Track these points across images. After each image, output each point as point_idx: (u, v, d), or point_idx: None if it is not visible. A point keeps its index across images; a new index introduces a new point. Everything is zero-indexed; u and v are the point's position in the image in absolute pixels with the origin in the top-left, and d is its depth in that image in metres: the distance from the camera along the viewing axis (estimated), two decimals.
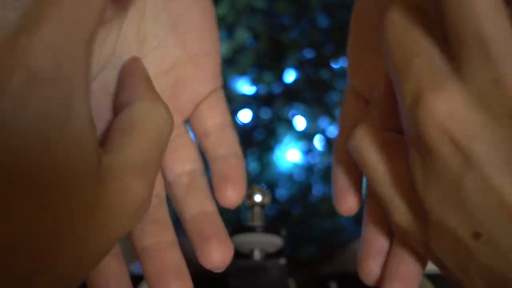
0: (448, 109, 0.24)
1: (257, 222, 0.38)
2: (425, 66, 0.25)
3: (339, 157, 0.32)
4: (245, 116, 0.51)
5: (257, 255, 0.39)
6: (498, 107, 0.23)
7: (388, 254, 0.30)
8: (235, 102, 0.51)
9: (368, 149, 0.29)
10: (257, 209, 0.39)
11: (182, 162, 0.32)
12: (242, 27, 0.52)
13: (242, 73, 0.51)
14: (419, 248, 0.28)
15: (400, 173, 0.28)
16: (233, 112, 0.51)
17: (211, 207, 0.30)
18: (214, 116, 0.32)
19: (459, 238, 0.25)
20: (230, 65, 0.51)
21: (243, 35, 0.52)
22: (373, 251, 0.30)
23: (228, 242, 0.29)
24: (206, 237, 0.29)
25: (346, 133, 0.32)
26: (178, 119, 0.33)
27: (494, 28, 0.23)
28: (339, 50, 0.52)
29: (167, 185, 0.32)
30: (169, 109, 0.28)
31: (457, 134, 0.24)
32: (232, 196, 0.30)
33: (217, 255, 0.29)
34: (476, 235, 0.25)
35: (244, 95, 0.51)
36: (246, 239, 0.38)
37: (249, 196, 0.39)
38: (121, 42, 0.30)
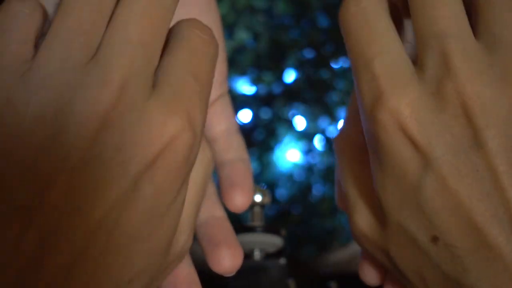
0: (408, 110, 0.24)
1: (257, 222, 0.38)
2: (386, 66, 0.25)
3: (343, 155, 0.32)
4: (245, 116, 0.51)
5: (257, 255, 0.39)
6: (455, 107, 0.23)
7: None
8: (235, 102, 0.51)
9: (343, 150, 0.29)
10: (257, 209, 0.39)
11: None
12: (242, 27, 0.52)
13: (242, 73, 0.51)
14: (379, 257, 0.28)
15: (365, 176, 0.28)
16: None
17: (220, 213, 0.31)
18: (221, 122, 0.33)
19: (418, 242, 0.25)
20: (230, 65, 0.51)
21: (243, 35, 0.52)
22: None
23: (237, 247, 0.29)
24: (216, 243, 0.29)
25: (350, 129, 0.32)
26: None
27: (454, 28, 0.23)
28: (339, 50, 0.52)
29: None
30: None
31: (417, 135, 0.24)
32: (240, 200, 0.31)
33: (227, 260, 0.29)
34: (434, 239, 0.24)
35: (244, 95, 0.51)
36: (246, 239, 0.38)
37: None
38: None
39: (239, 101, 0.51)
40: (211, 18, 0.32)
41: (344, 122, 0.31)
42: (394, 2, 0.27)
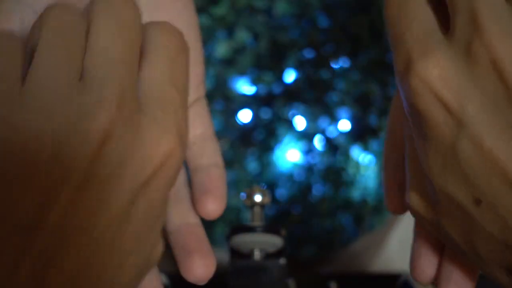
0: (438, 73, 0.24)
1: (257, 222, 0.38)
2: (417, 33, 0.26)
3: (390, 157, 0.32)
4: (245, 116, 0.51)
5: (257, 255, 0.39)
6: (486, 65, 0.23)
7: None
8: (235, 102, 0.51)
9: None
10: (257, 209, 0.39)
11: None
12: (242, 27, 0.52)
13: (242, 73, 0.51)
14: (433, 231, 0.28)
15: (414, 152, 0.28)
16: (233, 112, 0.51)
17: (193, 219, 0.31)
18: (196, 127, 0.33)
19: (463, 206, 0.25)
20: (230, 65, 0.51)
21: (243, 35, 0.52)
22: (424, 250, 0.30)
23: (210, 255, 0.29)
24: (188, 251, 0.29)
25: (396, 135, 0.32)
26: None
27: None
28: (339, 50, 0.52)
29: None
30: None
31: (448, 97, 0.24)
32: (212, 208, 0.31)
33: (200, 269, 0.29)
34: (477, 202, 0.25)
35: (244, 95, 0.51)
36: (246, 239, 0.38)
37: (249, 196, 0.39)
38: None
39: (239, 101, 0.51)
40: (188, 21, 0.32)
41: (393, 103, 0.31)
42: None
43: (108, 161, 0.22)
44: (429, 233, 0.30)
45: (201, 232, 0.30)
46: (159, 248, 0.27)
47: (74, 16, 0.25)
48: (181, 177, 0.32)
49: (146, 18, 0.31)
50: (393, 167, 0.32)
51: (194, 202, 0.31)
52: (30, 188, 0.21)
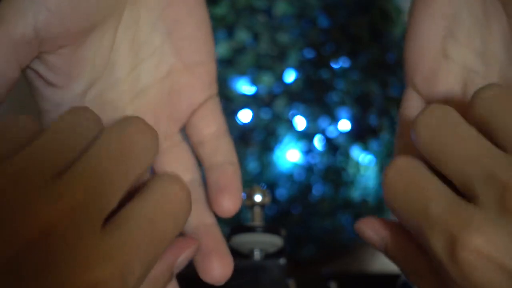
0: (487, 240, 0.24)
1: (257, 222, 0.38)
2: (443, 208, 0.26)
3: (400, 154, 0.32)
4: (245, 116, 0.51)
5: (257, 255, 0.39)
6: None
7: None
8: (235, 102, 0.51)
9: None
10: (257, 209, 0.39)
11: (180, 173, 0.31)
12: (242, 27, 0.52)
13: (242, 73, 0.51)
14: None
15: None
16: (233, 112, 0.51)
17: (210, 220, 0.31)
18: (209, 125, 0.32)
19: None
20: (230, 65, 0.51)
21: (243, 35, 0.52)
22: None
23: (228, 256, 0.29)
24: (206, 252, 0.29)
25: (407, 134, 0.32)
26: (174, 128, 0.33)
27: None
28: (339, 50, 0.52)
29: None
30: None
31: (504, 260, 0.24)
32: (229, 206, 0.30)
33: (218, 270, 0.29)
34: None
35: (244, 95, 0.51)
36: (246, 239, 0.38)
37: (249, 196, 0.39)
38: (116, 49, 0.30)
39: (239, 101, 0.51)
40: (200, 18, 0.32)
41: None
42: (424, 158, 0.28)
43: (31, 263, 0.21)
44: None
45: (218, 232, 0.30)
46: None
47: (87, 121, 0.25)
48: (196, 177, 0.32)
49: (157, 15, 0.31)
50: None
51: (210, 200, 0.30)
52: None
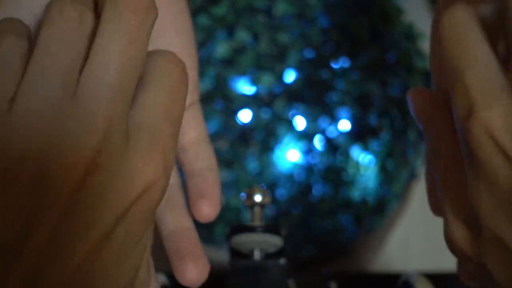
0: (502, 123, 0.25)
1: (257, 222, 0.38)
2: (477, 77, 0.26)
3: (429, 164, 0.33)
4: (245, 116, 0.51)
5: (257, 255, 0.39)
6: None
7: None
8: (235, 102, 0.51)
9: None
10: (257, 209, 0.39)
11: None
12: (242, 27, 0.52)
13: (242, 73, 0.51)
14: (474, 269, 0.28)
15: (461, 187, 0.28)
16: (233, 112, 0.51)
17: (188, 224, 0.31)
18: (190, 131, 0.33)
19: None
20: (230, 65, 0.51)
21: (243, 35, 0.52)
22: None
23: (203, 259, 0.30)
24: (182, 255, 0.30)
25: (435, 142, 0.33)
26: None
27: None
28: (339, 50, 0.52)
29: None
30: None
31: (508, 145, 0.24)
32: (208, 211, 0.31)
33: (193, 272, 0.29)
34: None
35: (244, 95, 0.51)
36: (246, 239, 0.38)
37: (249, 196, 0.39)
38: None
39: (239, 101, 0.51)
40: (183, 26, 0.32)
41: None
42: (486, 17, 0.28)
43: (92, 191, 0.23)
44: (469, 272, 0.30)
45: (194, 236, 0.30)
46: (144, 276, 0.27)
47: (81, 12, 0.25)
48: (176, 181, 0.32)
49: None
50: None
51: (190, 205, 0.31)
52: (14, 210, 0.21)
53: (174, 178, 0.32)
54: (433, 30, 0.33)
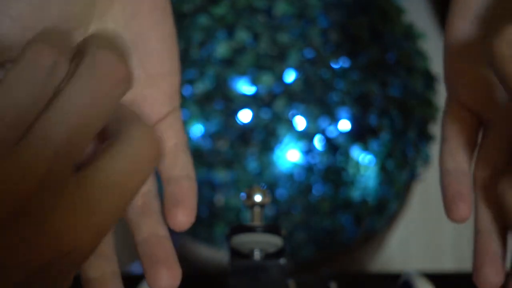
0: None
1: (257, 222, 0.38)
2: None
3: (447, 165, 0.33)
4: (245, 116, 0.51)
5: (257, 255, 0.39)
6: None
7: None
8: (235, 102, 0.51)
9: None
10: (257, 209, 0.39)
11: None
12: (242, 27, 0.52)
13: (242, 73, 0.51)
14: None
15: None
16: (233, 112, 0.51)
17: (162, 231, 0.31)
18: (169, 138, 0.33)
19: None
20: (230, 65, 0.51)
21: (243, 35, 0.52)
22: (488, 258, 0.30)
23: (176, 267, 0.30)
24: (155, 262, 0.30)
25: (453, 144, 0.33)
26: None
27: None
28: (339, 50, 0.52)
29: None
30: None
31: None
32: (182, 219, 0.31)
33: (165, 280, 0.29)
34: None
35: (244, 95, 0.51)
36: (246, 239, 0.38)
37: (249, 196, 0.39)
38: None
39: (239, 101, 0.51)
40: (166, 31, 0.32)
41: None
42: None
43: (14, 233, 0.23)
44: (489, 242, 0.30)
45: (169, 244, 0.30)
46: None
47: (56, 60, 0.25)
48: (152, 189, 0.32)
49: (122, 26, 0.31)
50: (452, 176, 0.32)
51: (165, 212, 0.31)
52: None
53: (150, 185, 0.32)
54: (446, 45, 0.33)
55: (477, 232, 0.32)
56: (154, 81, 0.32)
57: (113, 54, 0.26)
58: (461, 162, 0.33)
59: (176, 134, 0.33)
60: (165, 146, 0.32)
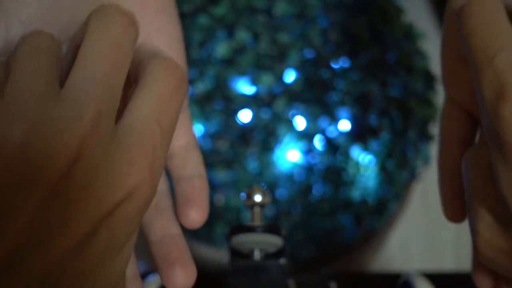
0: None
1: (257, 222, 0.38)
2: (509, 62, 0.26)
3: (444, 165, 0.32)
4: (245, 116, 0.51)
5: (257, 255, 0.39)
6: None
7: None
8: (235, 102, 0.51)
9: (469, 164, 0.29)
10: (257, 209, 0.39)
11: None
12: (242, 27, 0.52)
13: (242, 73, 0.51)
14: (504, 263, 0.28)
15: (488, 183, 0.28)
16: (233, 112, 0.51)
17: (175, 230, 0.31)
18: (179, 137, 0.33)
19: None
20: (230, 65, 0.51)
21: (243, 35, 0.52)
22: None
23: (191, 265, 0.30)
24: (170, 262, 0.30)
25: (449, 143, 0.33)
26: None
27: None
28: (339, 50, 0.52)
29: None
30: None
31: None
32: (194, 217, 0.31)
33: (181, 279, 0.29)
34: None
35: (244, 95, 0.51)
36: (246, 239, 0.38)
37: (249, 196, 0.39)
38: None
39: (239, 101, 0.51)
40: (172, 34, 0.32)
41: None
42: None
43: (76, 181, 0.23)
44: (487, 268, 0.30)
45: (182, 242, 0.30)
46: (122, 284, 0.26)
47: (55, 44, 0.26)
48: (164, 188, 0.32)
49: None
50: (449, 174, 0.32)
51: (177, 211, 0.31)
52: None
53: (162, 185, 0.32)
54: (444, 42, 0.33)
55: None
56: None
57: (114, 6, 0.26)
58: (458, 160, 0.33)
59: (187, 133, 0.33)
60: (176, 146, 0.32)
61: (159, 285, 0.38)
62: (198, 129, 0.51)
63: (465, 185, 0.29)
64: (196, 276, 0.29)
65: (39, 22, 0.27)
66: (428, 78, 0.55)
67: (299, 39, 0.52)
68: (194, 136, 0.33)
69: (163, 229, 0.30)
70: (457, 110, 0.34)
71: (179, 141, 0.32)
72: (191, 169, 0.32)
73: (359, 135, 0.51)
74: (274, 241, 0.38)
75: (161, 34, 0.31)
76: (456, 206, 0.32)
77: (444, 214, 0.32)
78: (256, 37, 0.52)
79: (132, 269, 0.29)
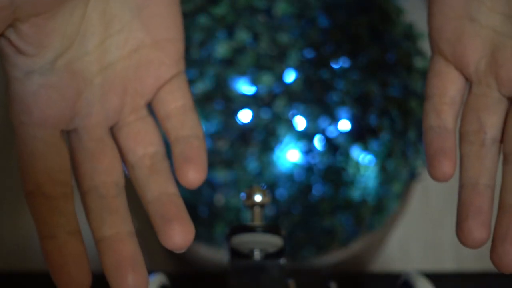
0: None
1: (257, 222, 0.38)
2: None
3: (431, 122, 0.32)
4: (245, 116, 0.51)
5: (257, 255, 0.39)
6: None
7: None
8: (235, 102, 0.51)
9: None
10: (257, 209, 0.39)
11: (144, 145, 0.32)
12: (242, 27, 0.52)
13: (242, 73, 0.51)
14: None
15: None
16: (233, 112, 0.51)
17: (173, 189, 0.31)
18: (176, 100, 0.33)
19: None
20: (230, 65, 0.51)
21: (243, 35, 0.52)
22: (472, 210, 0.29)
23: (189, 223, 0.30)
24: (168, 219, 0.29)
25: (436, 98, 0.32)
26: (140, 102, 0.33)
27: None
28: (339, 50, 0.52)
29: (129, 168, 0.32)
30: None
31: None
32: (193, 176, 0.31)
33: (179, 236, 0.29)
34: None
35: (244, 95, 0.51)
36: (246, 239, 0.38)
37: (249, 196, 0.39)
38: (86, 22, 0.31)
39: (239, 101, 0.51)
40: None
41: None
42: None
43: None
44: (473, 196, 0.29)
45: (180, 201, 0.30)
46: None
47: None
48: (160, 150, 0.32)
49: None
50: (435, 134, 0.31)
51: (176, 172, 0.31)
52: None
53: (158, 147, 0.32)
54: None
55: (461, 187, 0.30)
56: (159, 45, 0.33)
57: None
58: (445, 119, 0.31)
59: (184, 96, 0.33)
60: (172, 107, 0.32)
61: (159, 285, 0.38)
62: None
63: None
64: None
65: None
66: None
67: (299, 39, 0.52)
68: (191, 99, 0.33)
69: (160, 188, 0.30)
70: (445, 67, 0.33)
71: (175, 103, 0.32)
72: (188, 129, 0.32)
73: (359, 135, 0.51)
74: (274, 241, 0.38)
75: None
76: (444, 165, 0.30)
77: (429, 174, 0.31)
78: (256, 37, 0.52)
79: (127, 226, 0.29)
